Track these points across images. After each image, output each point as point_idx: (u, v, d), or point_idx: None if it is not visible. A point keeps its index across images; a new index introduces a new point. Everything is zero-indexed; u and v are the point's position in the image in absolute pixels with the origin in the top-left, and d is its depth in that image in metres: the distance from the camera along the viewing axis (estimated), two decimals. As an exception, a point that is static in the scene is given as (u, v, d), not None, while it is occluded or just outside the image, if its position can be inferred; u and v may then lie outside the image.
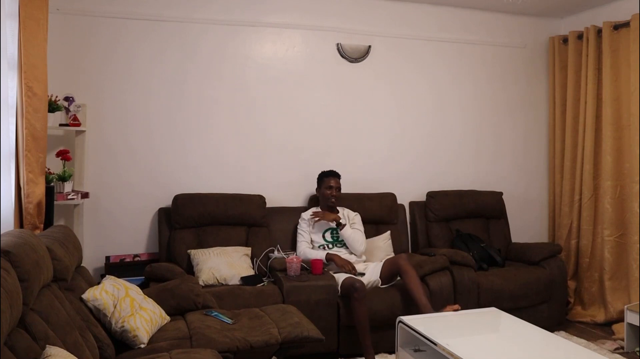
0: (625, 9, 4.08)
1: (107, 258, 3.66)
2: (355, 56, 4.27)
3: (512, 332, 2.79)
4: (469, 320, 2.96)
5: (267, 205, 3.91)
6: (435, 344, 2.49)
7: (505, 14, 4.65)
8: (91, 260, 3.62)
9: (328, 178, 3.83)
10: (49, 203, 2.96)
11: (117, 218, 3.76)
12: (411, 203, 4.35)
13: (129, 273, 3.50)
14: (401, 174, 4.40)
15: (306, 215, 3.83)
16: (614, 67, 4.10)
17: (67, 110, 3.54)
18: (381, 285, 3.52)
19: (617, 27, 4.08)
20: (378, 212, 4.08)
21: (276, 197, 4.03)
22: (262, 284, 3.41)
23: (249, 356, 2.48)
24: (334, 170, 3.89)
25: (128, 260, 3.72)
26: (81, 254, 2.72)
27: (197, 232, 3.70)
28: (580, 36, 4.43)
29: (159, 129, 3.86)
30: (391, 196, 4.17)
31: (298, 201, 4.12)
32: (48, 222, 2.94)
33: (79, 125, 3.52)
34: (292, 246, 3.87)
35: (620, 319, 3.87)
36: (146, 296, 2.70)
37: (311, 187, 4.00)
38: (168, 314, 2.75)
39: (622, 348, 3.55)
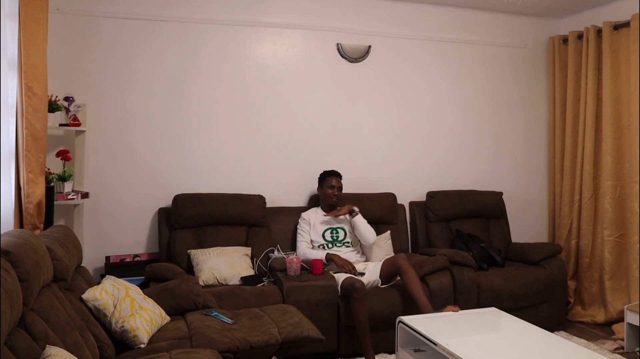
0: (625, 9, 4.08)
1: (107, 258, 3.66)
2: (355, 56, 4.27)
3: (512, 332, 2.79)
4: (469, 320, 2.96)
5: (267, 205, 3.91)
6: (435, 344, 2.49)
7: (505, 14, 4.65)
8: (91, 260, 3.62)
9: (330, 177, 3.83)
10: (49, 203, 2.96)
11: (117, 218, 3.76)
12: (411, 203, 4.35)
13: (129, 273, 3.50)
14: (401, 174, 4.40)
15: (307, 214, 3.83)
16: (614, 67, 4.10)
17: (67, 110, 3.54)
18: (381, 284, 3.52)
19: (617, 27, 4.08)
20: (378, 212, 4.07)
21: (276, 197, 4.03)
22: (262, 284, 3.41)
23: (249, 356, 2.48)
24: (336, 170, 3.89)
25: (128, 260, 3.72)
26: (81, 254, 2.72)
27: (197, 232, 3.70)
28: (580, 36, 4.43)
29: (159, 129, 3.86)
30: (391, 196, 4.17)
31: (298, 201, 4.12)
32: (48, 222, 2.93)
33: (79, 125, 3.52)
34: (292, 246, 3.87)
35: (620, 319, 3.87)
36: (146, 296, 2.70)
37: (311, 187, 4.00)
38: (168, 314, 2.75)
39: (622, 348, 3.55)
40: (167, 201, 3.76)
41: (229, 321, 2.70)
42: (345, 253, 3.71)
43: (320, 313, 3.24)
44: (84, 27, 3.68)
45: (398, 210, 4.19)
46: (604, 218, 4.13)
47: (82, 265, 2.76)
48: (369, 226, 3.76)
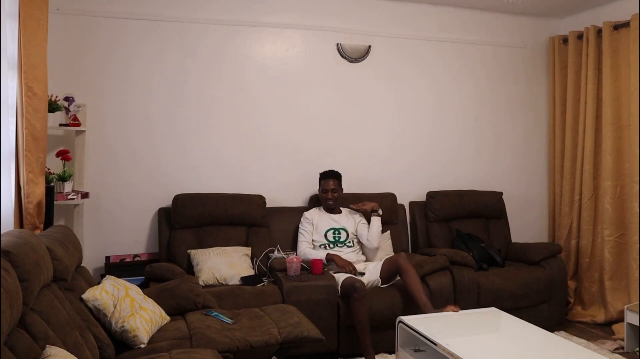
0: (625, 9, 4.08)
1: (107, 258, 3.66)
2: (355, 56, 4.27)
3: (512, 332, 2.79)
4: (469, 320, 2.96)
5: (267, 205, 3.91)
6: (435, 344, 2.49)
7: (505, 14, 4.65)
8: (91, 260, 3.62)
9: (325, 180, 3.83)
10: (49, 203, 2.96)
11: (117, 218, 3.76)
12: (411, 203, 4.35)
13: (129, 273, 3.50)
14: (401, 174, 4.40)
15: (309, 214, 3.83)
16: (614, 67, 4.10)
17: (67, 110, 3.54)
18: (381, 284, 3.52)
19: (617, 27, 4.08)
20: (378, 212, 4.08)
21: (276, 197, 4.03)
22: (262, 284, 3.41)
23: (249, 356, 2.48)
24: (334, 170, 3.89)
25: (128, 260, 3.72)
26: (81, 254, 2.72)
27: (197, 232, 3.70)
28: (580, 36, 4.43)
29: (159, 129, 3.86)
30: (391, 196, 4.17)
31: (298, 201, 4.12)
32: (48, 222, 2.93)
33: (79, 125, 3.52)
34: (292, 246, 3.87)
35: (620, 319, 3.87)
36: (146, 296, 2.70)
37: (311, 187, 4.00)
38: (168, 314, 2.75)
39: (622, 348, 3.55)
40: (167, 201, 3.76)
41: (229, 321, 2.70)
42: (347, 253, 3.71)
43: (320, 313, 3.24)
44: (84, 27, 3.68)
45: (398, 210, 4.19)
46: (604, 218, 4.13)
47: (82, 265, 2.76)
48: (380, 231, 3.76)
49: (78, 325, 2.13)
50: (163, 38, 3.85)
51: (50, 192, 3.01)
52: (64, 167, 3.40)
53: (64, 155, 3.40)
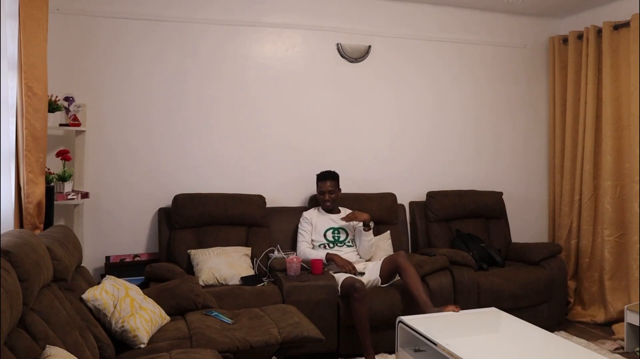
0: (625, 9, 4.08)
1: (107, 258, 3.66)
2: (355, 56, 4.27)
3: (512, 332, 2.79)
4: (469, 320, 2.96)
5: (267, 205, 3.91)
6: (435, 344, 2.50)
7: (505, 14, 4.65)
8: (91, 260, 3.62)
9: (322, 182, 3.82)
10: (49, 203, 2.96)
11: (117, 218, 3.76)
12: (411, 203, 4.35)
13: (129, 273, 3.50)
14: (401, 174, 4.40)
15: (308, 214, 3.83)
16: (614, 67, 4.10)
17: (67, 110, 3.54)
18: (381, 284, 3.52)
19: (617, 27, 4.08)
20: (378, 212, 4.07)
21: (276, 197, 4.03)
22: (262, 284, 3.40)
23: (249, 356, 2.48)
24: (332, 170, 3.87)
25: (128, 260, 3.72)
26: (81, 254, 2.72)
27: (197, 232, 3.69)
28: (580, 36, 4.43)
29: (159, 129, 3.86)
30: (391, 196, 4.17)
31: (298, 201, 4.12)
32: (48, 222, 2.93)
33: (79, 125, 3.52)
34: (292, 246, 3.87)
35: (620, 319, 3.87)
36: (146, 296, 2.70)
37: (311, 187, 4.00)
38: (168, 314, 2.75)
39: (622, 348, 3.55)
40: (167, 201, 3.76)
41: (229, 321, 2.70)
42: (346, 253, 3.71)
43: (320, 313, 3.24)
44: (84, 27, 3.68)
45: (398, 210, 4.19)
46: (604, 218, 4.13)
47: (82, 265, 2.76)
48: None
49: (78, 325, 2.13)
50: (163, 38, 3.85)
51: (50, 192, 3.01)
52: (64, 167, 3.40)
53: (64, 155, 3.40)
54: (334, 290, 3.32)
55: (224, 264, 3.45)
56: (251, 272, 3.53)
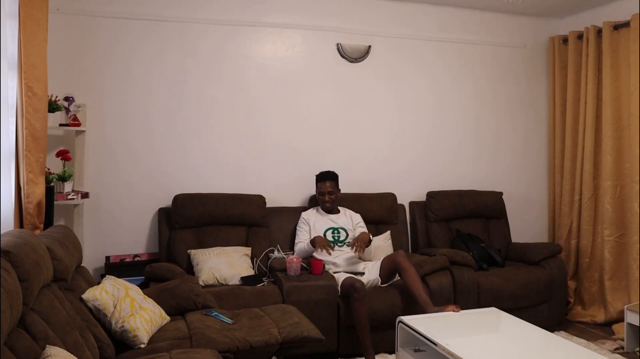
0: (625, 9, 4.08)
1: (107, 258, 3.66)
2: (355, 56, 4.27)
3: (512, 332, 2.79)
4: (469, 320, 2.96)
5: (267, 205, 3.91)
6: (435, 344, 2.50)
7: (505, 14, 4.65)
8: (91, 260, 3.62)
9: (321, 182, 3.81)
10: (49, 203, 2.96)
11: (117, 218, 3.76)
12: (411, 203, 4.35)
13: (129, 273, 3.50)
14: (401, 174, 4.40)
15: (306, 214, 3.83)
16: (614, 67, 4.10)
17: (67, 110, 3.54)
18: (381, 283, 3.52)
19: (617, 27, 4.08)
20: (378, 212, 4.08)
21: (276, 197, 4.03)
22: (262, 284, 3.40)
23: (249, 356, 2.48)
24: (332, 171, 3.87)
25: (128, 260, 3.72)
26: (81, 254, 2.72)
27: (197, 232, 3.69)
28: (580, 36, 4.43)
29: (159, 129, 3.86)
30: (391, 196, 4.17)
31: (298, 201, 4.12)
32: (48, 222, 2.93)
33: (79, 125, 3.52)
34: (292, 246, 3.86)
35: (620, 319, 3.87)
36: (146, 296, 2.70)
37: (311, 187, 4.00)
38: (168, 314, 2.75)
39: (622, 348, 3.55)
40: (167, 201, 3.76)
41: (229, 321, 2.70)
42: (347, 253, 3.71)
43: (320, 313, 3.24)
44: (84, 27, 3.68)
45: (398, 210, 4.19)
46: (604, 218, 4.13)
47: (82, 265, 2.76)
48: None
49: (78, 325, 2.13)
50: (163, 38, 3.85)
51: (50, 192, 3.01)
52: (64, 167, 3.40)
53: (64, 155, 3.40)
54: (334, 290, 3.33)
55: (224, 264, 3.45)
56: (251, 272, 3.53)
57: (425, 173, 4.46)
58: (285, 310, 2.87)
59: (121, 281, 2.64)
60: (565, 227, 4.48)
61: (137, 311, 2.50)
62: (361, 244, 3.49)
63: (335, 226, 3.79)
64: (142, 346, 2.42)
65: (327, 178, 3.81)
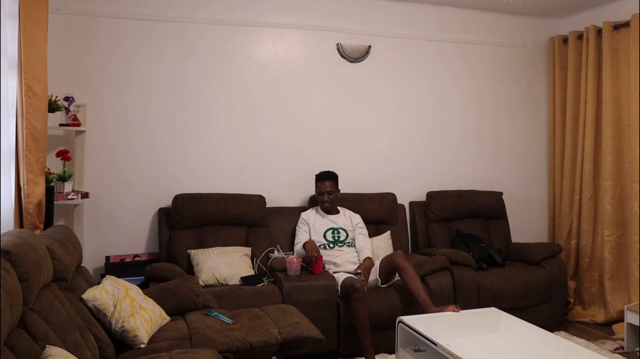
0: (625, 9, 4.08)
1: (107, 258, 3.66)
2: (355, 56, 4.27)
3: (512, 332, 2.79)
4: (469, 320, 2.96)
5: (267, 205, 3.91)
6: (435, 344, 2.50)
7: (505, 14, 4.65)
8: (91, 260, 3.62)
9: (320, 182, 3.81)
10: (49, 203, 2.96)
11: (117, 218, 3.76)
12: (411, 203, 4.35)
13: (129, 273, 3.50)
14: (401, 174, 4.40)
15: (306, 215, 3.83)
16: (614, 67, 4.10)
17: (67, 110, 3.54)
18: (381, 284, 3.52)
19: (617, 27, 4.08)
20: (378, 212, 4.08)
21: (276, 197, 4.03)
22: (262, 284, 3.40)
23: (249, 356, 2.48)
24: (331, 171, 3.86)
25: (128, 260, 3.72)
26: (81, 254, 2.72)
27: (197, 232, 3.69)
28: (580, 36, 4.43)
29: (159, 129, 3.86)
30: (391, 196, 4.17)
31: (298, 201, 4.12)
32: (48, 222, 2.93)
33: (79, 125, 3.52)
34: (292, 246, 3.86)
35: (620, 319, 3.87)
36: (146, 296, 2.70)
37: (311, 187, 4.00)
38: (168, 314, 2.75)
39: (622, 348, 3.55)
40: (167, 201, 3.76)
41: (229, 321, 2.70)
42: (347, 253, 3.71)
43: (320, 313, 3.24)
44: (84, 27, 3.68)
45: (398, 210, 4.19)
46: (604, 218, 4.13)
47: (82, 265, 2.76)
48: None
49: (78, 325, 2.13)
50: (163, 38, 3.85)
51: (50, 192, 3.01)
52: (64, 167, 3.40)
53: (64, 155, 3.40)
54: (334, 290, 3.33)
55: (224, 264, 3.45)
56: (251, 272, 3.53)
57: (425, 173, 4.46)
58: (285, 310, 2.87)
59: (121, 281, 2.64)
60: (565, 227, 4.48)
61: (137, 311, 2.50)
62: (365, 274, 3.49)
63: (335, 226, 3.79)
64: (142, 346, 2.42)
65: (326, 178, 3.80)
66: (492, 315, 3.04)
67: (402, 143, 4.42)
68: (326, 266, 3.60)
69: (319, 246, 3.73)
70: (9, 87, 2.59)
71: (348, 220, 3.84)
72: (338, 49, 4.24)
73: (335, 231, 3.78)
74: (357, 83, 4.29)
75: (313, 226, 3.78)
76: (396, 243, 4.05)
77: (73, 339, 1.97)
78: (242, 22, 4.00)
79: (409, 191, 4.36)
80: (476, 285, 3.66)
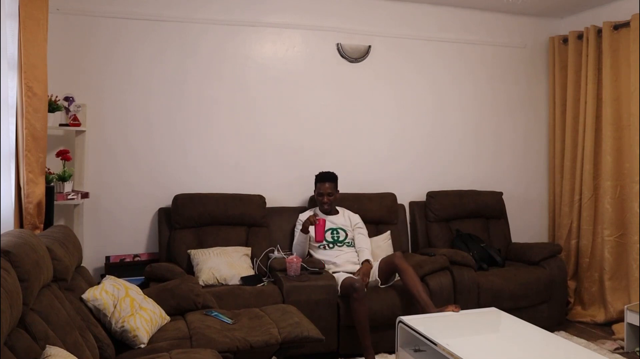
0: (625, 9, 4.08)
1: (107, 258, 3.66)
2: (355, 56, 4.27)
3: (512, 332, 2.79)
4: (469, 320, 2.96)
5: (267, 205, 3.91)
6: (435, 344, 2.50)
7: (505, 14, 4.65)
8: (91, 260, 3.62)
9: (320, 183, 3.79)
10: (49, 203, 2.96)
11: (117, 218, 3.76)
12: (411, 203, 4.35)
13: (129, 273, 3.50)
14: (401, 174, 4.40)
15: (303, 216, 3.82)
16: (614, 67, 4.10)
17: (67, 110, 3.54)
18: (380, 284, 3.52)
19: (617, 27, 4.08)
20: (378, 212, 4.08)
21: (276, 197, 4.03)
22: (262, 284, 3.40)
23: (249, 356, 2.48)
24: (331, 172, 3.85)
25: (128, 260, 3.72)
26: (81, 254, 2.72)
27: (197, 232, 3.69)
28: (580, 36, 4.43)
29: (159, 129, 3.86)
30: (391, 196, 4.17)
31: (298, 201, 4.12)
32: (48, 222, 2.93)
33: (79, 125, 3.52)
34: (292, 246, 3.86)
35: (620, 319, 3.87)
36: (146, 296, 2.70)
37: (311, 187, 3.99)
38: (168, 314, 2.75)
39: (622, 348, 3.55)
40: (167, 201, 3.76)
41: (229, 321, 2.70)
42: (346, 253, 3.71)
43: (320, 313, 3.24)
44: (84, 27, 3.68)
45: (398, 210, 4.19)
46: (604, 218, 4.13)
47: (82, 265, 2.76)
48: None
49: (78, 325, 2.13)
50: (163, 38, 3.85)
51: (50, 192, 3.01)
52: (64, 167, 3.40)
53: (64, 155, 3.40)
54: (333, 290, 3.33)
55: (224, 264, 3.45)
56: (251, 272, 3.53)
57: (425, 173, 4.46)
58: (285, 310, 2.87)
59: (121, 281, 2.64)
60: (565, 227, 4.48)
61: (137, 311, 2.50)
62: (364, 278, 3.47)
63: (334, 226, 3.78)
64: (142, 346, 2.42)
65: (326, 179, 3.80)
66: (492, 315, 3.04)
67: (402, 143, 4.42)
68: (326, 266, 3.60)
69: (319, 246, 3.74)
70: (9, 87, 2.59)
71: (347, 220, 3.84)
72: (338, 49, 4.24)
73: (335, 231, 3.78)
74: (357, 83, 4.29)
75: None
76: (396, 243, 4.05)
77: (73, 339, 1.97)
78: (242, 22, 4.00)
79: (409, 191, 4.36)
80: (476, 285, 3.66)
